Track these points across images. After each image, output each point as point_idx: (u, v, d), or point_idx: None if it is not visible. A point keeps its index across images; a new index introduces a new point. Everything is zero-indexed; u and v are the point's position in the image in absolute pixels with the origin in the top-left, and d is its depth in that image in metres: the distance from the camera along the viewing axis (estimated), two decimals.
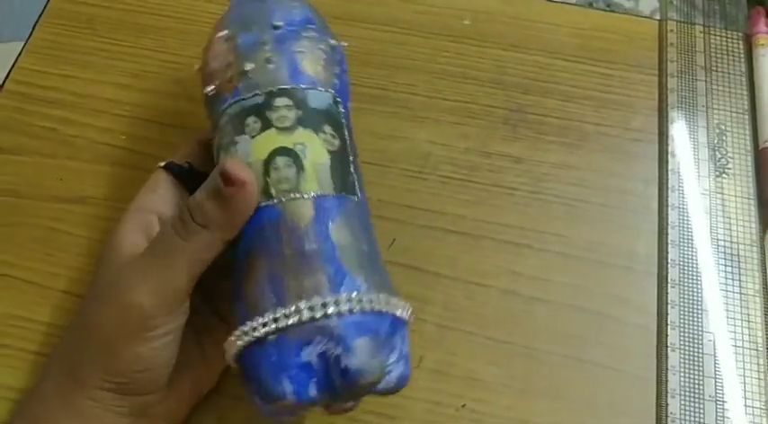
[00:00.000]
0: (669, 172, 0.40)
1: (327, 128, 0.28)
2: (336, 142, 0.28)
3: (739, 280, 0.37)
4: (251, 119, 0.28)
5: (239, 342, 0.25)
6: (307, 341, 0.24)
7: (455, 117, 0.41)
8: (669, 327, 0.35)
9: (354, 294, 0.25)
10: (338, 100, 0.30)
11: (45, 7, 0.44)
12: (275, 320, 0.24)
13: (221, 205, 0.26)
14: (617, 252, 0.38)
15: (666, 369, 0.34)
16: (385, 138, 0.40)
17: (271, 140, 0.27)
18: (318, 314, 0.24)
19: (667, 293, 0.36)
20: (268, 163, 0.27)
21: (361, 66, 0.42)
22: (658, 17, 0.45)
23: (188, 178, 0.30)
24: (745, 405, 0.34)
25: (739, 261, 0.37)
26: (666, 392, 0.34)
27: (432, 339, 0.35)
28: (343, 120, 0.29)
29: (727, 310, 0.36)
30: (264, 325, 0.25)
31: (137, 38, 0.43)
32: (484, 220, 0.38)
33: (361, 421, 0.33)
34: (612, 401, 0.34)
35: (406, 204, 0.39)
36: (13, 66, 0.42)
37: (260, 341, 0.25)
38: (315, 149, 0.27)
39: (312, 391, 0.25)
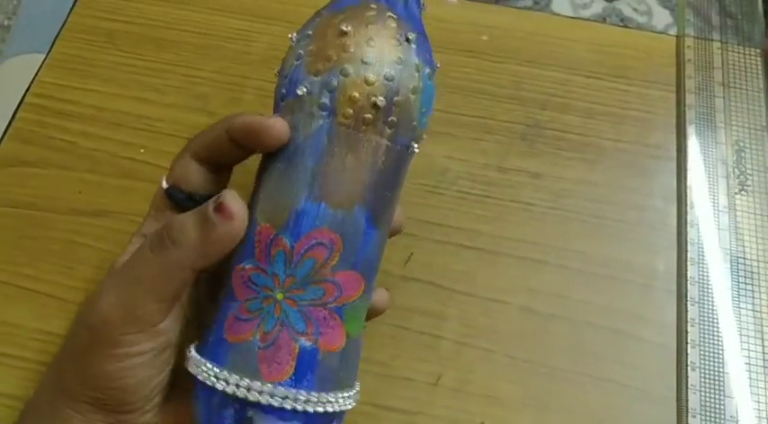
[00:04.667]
0: (688, 189, 0.39)
1: None
2: None
3: (760, 299, 0.37)
4: None
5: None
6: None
7: (473, 132, 0.41)
8: (689, 345, 0.35)
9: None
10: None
11: (65, 21, 0.45)
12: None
13: (202, 228, 0.25)
14: (636, 269, 0.37)
15: (687, 388, 0.34)
16: None
17: None
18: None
19: (687, 311, 0.36)
20: None
21: None
22: (672, 33, 0.45)
23: (188, 204, 0.29)
24: None
25: (759, 279, 0.37)
26: (687, 411, 0.34)
27: (449, 356, 0.35)
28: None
29: (746, 329, 0.36)
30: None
31: (157, 52, 0.43)
32: (501, 236, 0.38)
33: None
34: (632, 421, 0.34)
35: (423, 219, 0.39)
36: (33, 79, 0.43)
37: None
38: None
39: None
